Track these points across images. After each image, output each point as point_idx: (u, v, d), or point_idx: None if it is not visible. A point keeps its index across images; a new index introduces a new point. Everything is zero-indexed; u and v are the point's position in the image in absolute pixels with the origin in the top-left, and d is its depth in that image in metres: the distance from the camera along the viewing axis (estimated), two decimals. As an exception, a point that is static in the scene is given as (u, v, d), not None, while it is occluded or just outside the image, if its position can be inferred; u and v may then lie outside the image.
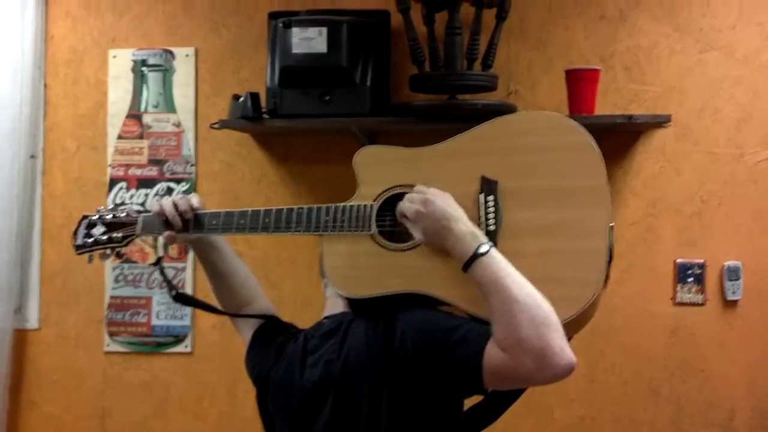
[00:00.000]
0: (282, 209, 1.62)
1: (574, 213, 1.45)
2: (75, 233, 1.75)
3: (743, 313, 2.48)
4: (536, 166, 1.50)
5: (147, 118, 2.70)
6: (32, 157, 2.72)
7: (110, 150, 2.71)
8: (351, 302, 1.60)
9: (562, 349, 1.25)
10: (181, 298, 1.82)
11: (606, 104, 2.47)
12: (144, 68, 2.70)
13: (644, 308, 2.51)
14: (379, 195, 1.57)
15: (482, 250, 1.36)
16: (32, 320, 2.72)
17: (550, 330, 1.26)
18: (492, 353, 1.30)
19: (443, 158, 1.57)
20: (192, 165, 2.68)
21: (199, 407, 2.66)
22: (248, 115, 2.39)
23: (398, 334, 1.45)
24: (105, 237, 1.72)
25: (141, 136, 2.70)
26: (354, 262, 1.56)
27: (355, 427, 1.48)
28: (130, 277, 2.67)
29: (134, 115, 2.70)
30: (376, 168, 1.61)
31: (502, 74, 2.46)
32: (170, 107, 2.70)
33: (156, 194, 2.68)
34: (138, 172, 2.70)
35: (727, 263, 2.47)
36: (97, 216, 1.75)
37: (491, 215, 1.47)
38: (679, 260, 2.49)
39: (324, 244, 1.59)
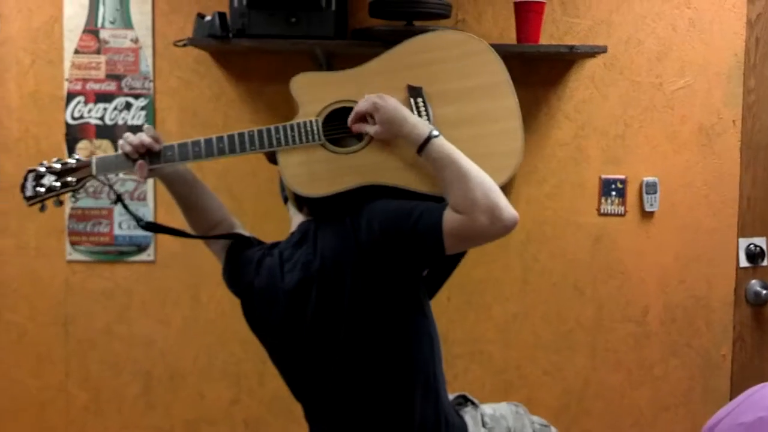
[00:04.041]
0: (234, 134, 1.87)
1: (488, 103, 1.87)
2: (23, 187, 1.87)
3: (659, 223, 2.94)
4: (450, 71, 1.89)
5: (104, 34, 2.88)
6: (-13, 69, 2.88)
7: (67, 64, 2.90)
8: (312, 210, 1.89)
9: (507, 206, 1.63)
10: (150, 227, 2.03)
11: (543, 35, 2.79)
12: (99, -17, 2.89)
13: (572, 219, 2.94)
14: (321, 111, 1.88)
15: (434, 133, 1.73)
16: (-10, 231, 2.91)
17: (495, 192, 1.64)
18: (450, 217, 1.65)
19: (370, 76, 1.92)
20: (150, 81, 2.91)
21: (162, 312, 2.93)
22: (216, 34, 2.63)
23: (364, 224, 1.75)
24: (58, 183, 1.86)
25: (98, 51, 2.89)
26: (311, 168, 1.85)
27: (339, 314, 1.77)
28: (90, 189, 2.88)
29: (91, 30, 2.88)
30: (312, 90, 1.92)
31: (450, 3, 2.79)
32: (127, 23, 2.89)
33: (115, 108, 2.90)
34: (96, 86, 2.89)
35: (645, 179, 2.92)
36: (44, 168, 1.88)
37: (423, 113, 1.84)
38: (603, 176, 2.92)
39: (280, 159, 1.86)
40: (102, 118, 2.90)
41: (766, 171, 2.98)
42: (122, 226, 2.91)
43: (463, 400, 2.04)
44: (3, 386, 2.95)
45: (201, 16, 2.69)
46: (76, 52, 2.90)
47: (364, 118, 1.82)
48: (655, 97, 2.94)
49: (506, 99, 1.88)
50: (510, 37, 2.78)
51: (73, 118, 2.90)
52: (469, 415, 1.96)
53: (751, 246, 2.98)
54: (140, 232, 2.90)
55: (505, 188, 1.77)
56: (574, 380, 2.99)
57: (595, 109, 2.93)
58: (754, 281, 2.99)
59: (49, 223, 2.92)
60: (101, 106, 2.91)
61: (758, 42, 2.95)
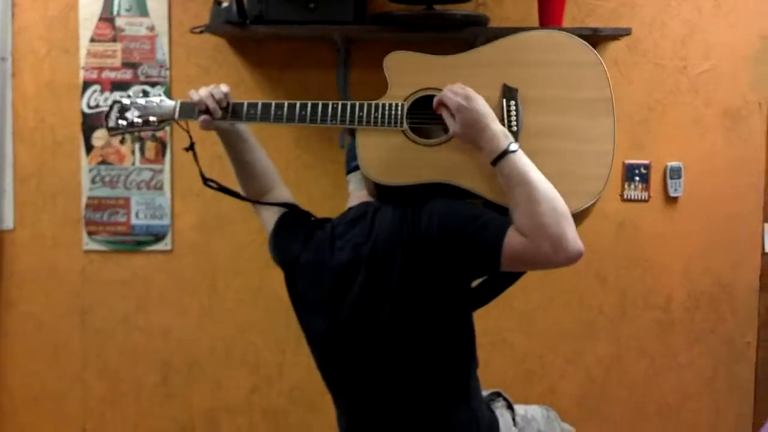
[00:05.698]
0: (318, 103, 1.84)
1: (584, 120, 1.77)
2: (107, 116, 1.92)
3: (683, 209, 2.93)
4: (552, 78, 1.79)
5: (120, 22, 2.89)
6: (2, 59, 2.88)
7: (83, 53, 2.90)
8: (380, 192, 1.85)
9: (575, 237, 1.55)
10: (212, 185, 2.01)
11: (566, 17, 2.76)
12: (114, -29, 2.89)
13: (595, 205, 2.95)
14: (409, 96, 1.83)
15: (512, 148, 1.64)
16: (7, 221, 2.92)
17: (566, 220, 1.56)
18: (513, 237, 1.59)
19: (467, 66, 1.83)
20: (166, 69, 2.92)
21: (180, 302, 2.95)
22: (234, 21, 2.63)
23: (425, 219, 1.72)
24: (140, 120, 1.91)
25: (114, 39, 2.90)
26: (387, 154, 1.80)
27: (382, 302, 1.75)
28: (107, 179, 2.90)
29: (106, 18, 2.89)
30: (404, 71, 1.85)
31: (471, -15, 2.74)
32: (143, 11, 2.90)
33: (131, 96, 2.92)
34: (112, 75, 2.90)
35: (669, 164, 2.90)
36: (129, 101, 1.93)
37: (513, 117, 1.76)
38: (627, 161, 2.91)
39: (358, 138, 1.83)
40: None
41: (792, 155, 2.96)
42: (139, 216, 2.92)
43: (496, 397, 2.04)
44: (21, 377, 2.98)
45: (218, 2, 2.69)
46: (92, 40, 2.91)
47: (448, 109, 1.76)
48: (680, 81, 2.92)
49: (604, 119, 1.78)
50: (532, 20, 2.76)
51: (89, 107, 2.91)
52: (499, 411, 1.95)
53: (777, 231, 2.97)
54: (158, 222, 2.92)
55: (582, 215, 1.74)
56: (596, 369, 2.99)
57: (619, 92, 2.86)
58: (780, 267, 2.99)
59: (65, 213, 2.94)
60: (117, 94, 2.91)
61: (784, 24, 2.93)
